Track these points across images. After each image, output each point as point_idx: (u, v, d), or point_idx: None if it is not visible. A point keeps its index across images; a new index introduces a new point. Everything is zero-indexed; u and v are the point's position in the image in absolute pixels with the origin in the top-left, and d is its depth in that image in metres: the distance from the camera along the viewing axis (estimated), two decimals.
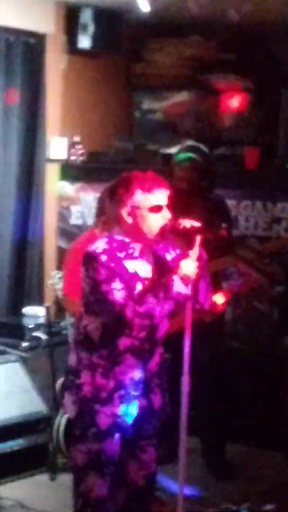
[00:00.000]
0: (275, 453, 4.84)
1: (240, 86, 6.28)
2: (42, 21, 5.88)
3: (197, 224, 3.37)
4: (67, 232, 6.14)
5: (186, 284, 3.34)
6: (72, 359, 3.44)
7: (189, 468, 4.78)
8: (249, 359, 5.48)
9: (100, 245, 3.34)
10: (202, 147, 4.98)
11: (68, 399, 3.42)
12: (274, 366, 4.83)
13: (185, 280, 3.33)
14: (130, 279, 3.31)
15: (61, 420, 4.75)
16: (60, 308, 5.58)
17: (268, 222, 5.56)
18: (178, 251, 3.46)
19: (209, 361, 4.93)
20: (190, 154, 4.89)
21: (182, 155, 4.92)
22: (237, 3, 5.20)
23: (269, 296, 4.69)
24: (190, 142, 5.09)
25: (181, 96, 6.36)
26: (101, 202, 4.44)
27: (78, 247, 4.22)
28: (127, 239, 3.37)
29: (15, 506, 4.48)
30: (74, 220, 6.14)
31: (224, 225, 4.33)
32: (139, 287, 3.32)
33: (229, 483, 4.85)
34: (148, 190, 3.35)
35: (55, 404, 4.84)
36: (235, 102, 6.26)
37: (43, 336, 5.30)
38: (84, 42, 6.08)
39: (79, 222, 6.12)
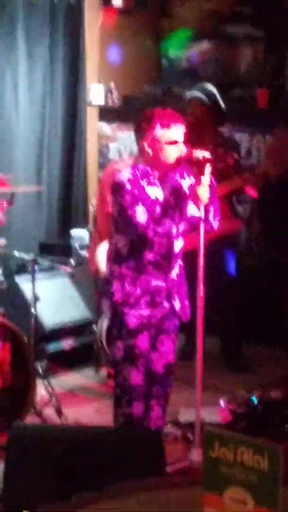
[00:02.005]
0: (283, 350, 4.81)
1: (254, 35, 6.07)
2: None
3: (207, 154, 3.29)
4: (106, 166, 6.06)
5: (198, 208, 3.31)
6: (106, 270, 3.45)
7: (211, 363, 4.85)
8: (261, 272, 5.43)
9: (125, 174, 3.31)
10: (210, 87, 4.91)
11: (105, 304, 3.43)
12: (283, 278, 4.78)
13: (198, 204, 3.29)
14: (151, 203, 3.28)
15: (103, 324, 4.75)
16: None
17: None
18: (191, 178, 3.38)
19: (226, 273, 4.91)
20: (195, 93, 4.88)
21: (189, 95, 4.92)
22: None
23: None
24: (200, 84, 5.01)
25: (203, 46, 6.17)
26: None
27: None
28: (148, 169, 3.31)
29: (65, 394, 4.53)
30: (112, 155, 6.08)
31: (235, 155, 4.27)
32: (158, 210, 3.27)
33: (243, 375, 4.86)
34: (167, 125, 3.29)
35: (98, 310, 4.84)
36: (249, 49, 6.07)
37: (87, 254, 5.27)
38: (117, 0, 5.94)
39: (116, 157, 6.05)
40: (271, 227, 4.27)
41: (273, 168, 3.50)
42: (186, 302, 3.48)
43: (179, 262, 3.45)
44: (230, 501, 1.35)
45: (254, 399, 4.13)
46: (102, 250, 3.99)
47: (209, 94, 4.84)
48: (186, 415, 4.00)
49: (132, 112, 5.82)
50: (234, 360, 5.05)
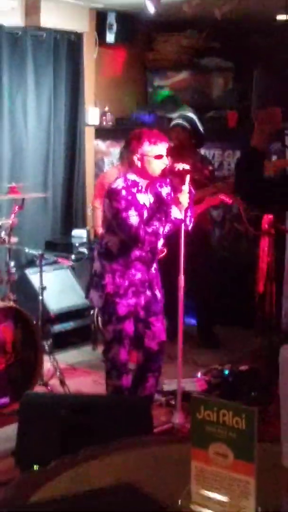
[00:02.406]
0: (249, 330, 4.82)
1: (224, 66, 6.08)
2: (80, 23, 5.67)
3: (187, 167, 3.29)
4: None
5: (180, 211, 3.29)
6: (96, 266, 3.41)
7: (190, 341, 4.85)
8: (232, 264, 5.43)
9: (119, 183, 3.29)
10: (190, 114, 4.88)
11: (95, 294, 3.39)
12: (249, 269, 4.78)
13: (179, 208, 3.29)
14: (141, 208, 3.27)
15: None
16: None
17: None
18: (172, 187, 3.38)
19: (203, 265, 4.90)
20: (178, 121, 4.82)
21: (173, 122, 4.86)
22: (220, 4, 4.97)
23: (246, 219, 4.60)
24: (182, 111, 4.99)
25: (182, 75, 6.19)
26: (122, 151, 4.43)
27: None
28: (137, 179, 3.30)
29: (68, 367, 4.53)
30: (106, 167, 6.02)
31: (210, 167, 4.26)
32: (146, 214, 3.26)
33: (216, 351, 4.86)
34: (154, 142, 3.29)
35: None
36: (220, 78, 6.07)
37: (86, 251, 5.27)
38: (110, 37, 5.89)
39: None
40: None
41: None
42: (161, 292, 3.48)
43: (157, 258, 3.45)
44: (214, 455, 1.36)
45: (226, 371, 4.14)
46: None
47: (190, 121, 4.81)
48: (169, 385, 4.00)
49: (123, 131, 5.83)
50: (209, 339, 5.05)
